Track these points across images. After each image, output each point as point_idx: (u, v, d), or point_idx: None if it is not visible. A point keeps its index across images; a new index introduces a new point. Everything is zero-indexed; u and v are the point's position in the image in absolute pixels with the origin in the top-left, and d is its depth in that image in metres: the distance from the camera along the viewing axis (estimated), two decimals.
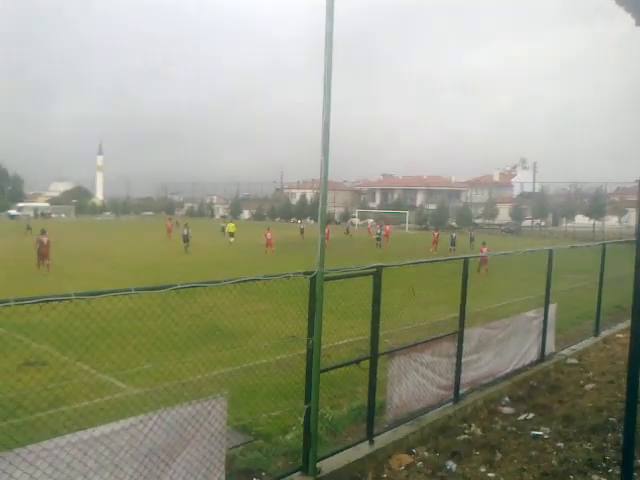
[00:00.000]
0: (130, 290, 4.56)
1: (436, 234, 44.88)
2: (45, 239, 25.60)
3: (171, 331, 8.12)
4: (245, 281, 5.54)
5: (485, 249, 29.01)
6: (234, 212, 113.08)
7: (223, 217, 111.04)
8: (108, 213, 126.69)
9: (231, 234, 45.46)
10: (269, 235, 37.20)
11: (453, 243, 41.25)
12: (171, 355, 9.20)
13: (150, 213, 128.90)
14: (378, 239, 47.10)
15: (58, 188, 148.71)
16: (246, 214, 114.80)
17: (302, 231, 55.45)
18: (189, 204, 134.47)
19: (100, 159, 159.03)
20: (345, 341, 10.90)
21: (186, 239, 38.09)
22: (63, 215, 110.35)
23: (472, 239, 47.09)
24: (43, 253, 25.29)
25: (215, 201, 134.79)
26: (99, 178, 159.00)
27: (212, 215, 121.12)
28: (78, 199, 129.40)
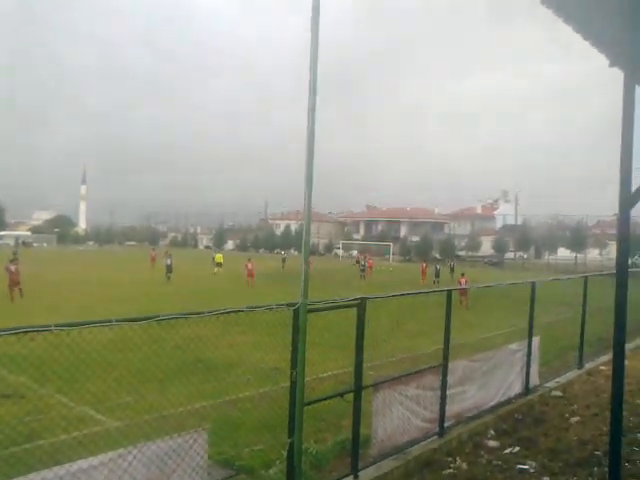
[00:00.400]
0: (111, 321, 4.50)
1: (424, 265, 45.23)
2: (14, 267, 25.93)
3: (152, 363, 8.00)
4: (228, 312, 5.49)
5: (464, 280, 29.07)
6: (218, 242, 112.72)
7: (207, 247, 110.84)
8: (91, 242, 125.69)
9: (218, 264, 46.07)
10: (250, 265, 37.05)
11: (437, 275, 41.43)
12: (152, 387, 9.05)
13: (133, 243, 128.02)
14: (362, 270, 47.19)
15: (41, 216, 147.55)
16: (230, 244, 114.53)
17: (284, 261, 55.70)
18: (173, 234, 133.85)
19: (83, 188, 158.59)
20: (329, 373, 10.80)
21: (169, 269, 38.19)
22: (45, 244, 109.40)
23: (452, 269, 47.31)
24: (13, 280, 25.43)
25: (199, 231, 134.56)
26: (82, 207, 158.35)
27: (196, 245, 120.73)
28: (60, 228, 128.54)
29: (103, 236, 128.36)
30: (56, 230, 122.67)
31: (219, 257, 47.94)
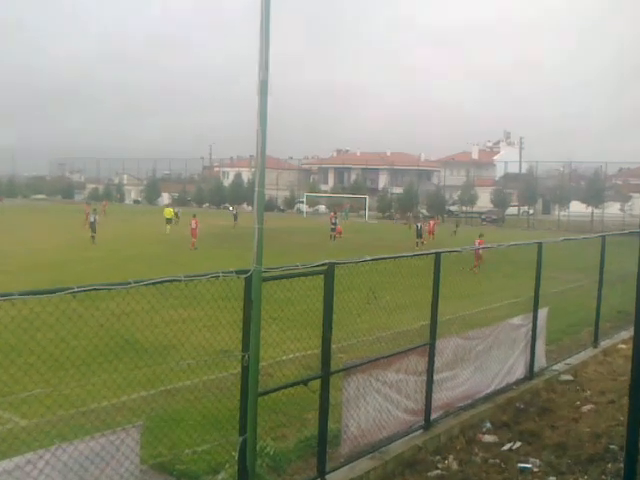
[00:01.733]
0: (13, 295, 4.43)
1: (432, 223, 47.48)
2: None
3: (68, 346, 7.94)
4: (162, 282, 5.46)
5: (480, 242, 29.25)
6: (150, 196, 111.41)
7: (136, 202, 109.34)
8: None
9: (168, 220, 48.15)
10: (194, 224, 37.13)
11: (419, 235, 41.93)
12: (69, 377, 9.00)
13: (42, 196, 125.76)
14: (333, 229, 47.39)
15: None
16: (165, 198, 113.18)
17: (235, 218, 56.73)
18: (92, 185, 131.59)
19: None
20: (290, 356, 10.88)
21: (93, 227, 38.57)
22: None
23: (455, 232, 48.45)
24: None
25: (126, 181, 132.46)
26: None
27: (122, 199, 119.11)
28: None
29: (4, 189, 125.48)
30: None
31: (169, 212, 49.48)
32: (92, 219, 39.27)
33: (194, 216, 38.74)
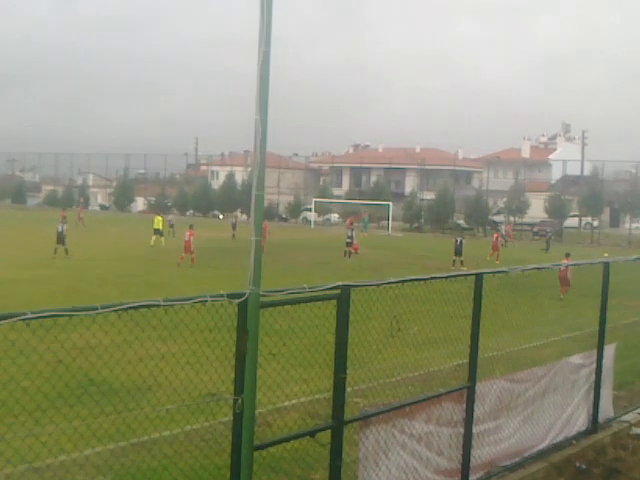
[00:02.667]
0: None
1: (496, 236, 49.91)
2: None
3: (19, 387, 7.96)
4: (136, 307, 5.47)
5: (568, 260, 29.40)
6: (120, 200, 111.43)
7: (103, 207, 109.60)
8: None
9: (157, 231, 50.42)
10: (188, 235, 37.77)
11: (459, 253, 41.96)
12: (19, 424, 9.03)
13: None
14: (348, 244, 47.45)
15: None
16: (140, 203, 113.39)
17: (234, 227, 59.68)
18: (49, 187, 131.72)
19: None
20: (294, 401, 10.92)
21: (61, 238, 39.83)
22: None
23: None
24: None
25: (91, 183, 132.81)
26: None
27: (86, 204, 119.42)
28: None
29: None
30: None
31: (157, 221, 51.45)
32: (60, 229, 40.26)
33: (190, 227, 39.20)
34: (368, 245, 51.68)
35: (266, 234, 36.82)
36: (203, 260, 37.59)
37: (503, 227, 50.43)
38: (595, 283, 11.30)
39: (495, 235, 51.13)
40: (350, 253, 46.13)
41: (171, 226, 57.74)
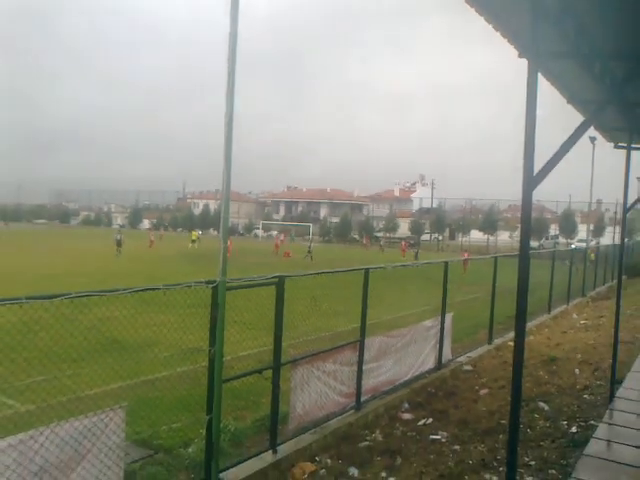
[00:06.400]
0: (21, 299, 4.36)
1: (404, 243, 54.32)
2: None
3: (66, 343, 7.78)
4: (144, 290, 5.45)
5: (465, 254, 30.10)
6: (133, 221, 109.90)
7: (121, 226, 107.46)
8: None
9: (193, 241, 53.41)
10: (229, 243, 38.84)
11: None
12: (66, 368, 8.82)
13: (43, 221, 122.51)
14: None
15: None
16: (146, 223, 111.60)
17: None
18: (85, 212, 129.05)
19: None
20: (248, 352, 10.84)
21: (119, 244, 41.26)
22: None
23: (382, 250, 51.32)
24: None
25: (113, 209, 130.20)
26: None
27: (109, 224, 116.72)
28: None
29: (10, 214, 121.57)
30: None
31: (194, 234, 55.14)
32: (118, 237, 42.02)
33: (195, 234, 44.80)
34: (296, 251, 51.60)
35: (231, 245, 37.46)
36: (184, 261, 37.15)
37: (382, 240, 51.66)
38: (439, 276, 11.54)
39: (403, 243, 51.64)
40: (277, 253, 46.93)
41: (199, 239, 55.93)
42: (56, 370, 8.43)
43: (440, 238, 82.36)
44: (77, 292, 4.75)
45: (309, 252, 46.50)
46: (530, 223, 4.66)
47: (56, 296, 4.63)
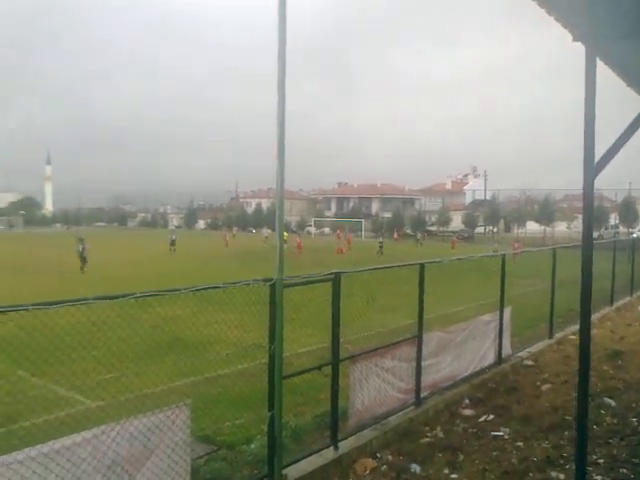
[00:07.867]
0: (88, 299, 4.50)
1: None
2: None
3: (132, 342, 7.99)
4: (205, 289, 5.51)
5: (516, 245, 29.76)
6: (188, 222, 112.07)
7: (177, 227, 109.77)
8: (59, 224, 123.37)
9: (267, 238, 58.23)
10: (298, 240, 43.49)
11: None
12: (132, 366, 9.06)
13: (102, 224, 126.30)
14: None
15: (6, 198, 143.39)
16: (201, 224, 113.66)
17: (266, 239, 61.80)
18: (142, 214, 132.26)
19: (49, 169, 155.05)
20: (306, 349, 10.90)
21: (173, 243, 43.87)
22: (13, 227, 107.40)
23: (420, 243, 55.63)
24: None
25: (169, 211, 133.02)
26: (48, 188, 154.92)
27: (166, 225, 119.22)
28: (26, 210, 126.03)
29: (71, 218, 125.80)
30: (21, 212, 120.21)
31: (285, 235, 55.67)
32: (173, 237, 44.82)
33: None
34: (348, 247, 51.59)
35: (301, 244, 42.51)
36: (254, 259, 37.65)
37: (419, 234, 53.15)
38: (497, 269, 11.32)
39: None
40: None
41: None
42: (123, 368, 8.67)
43: (495, 230, 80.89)
44: (141, 292, 4.86)
45: (380, 247, 47.27)
46: (592, 214, 4.53)
47: (120, 296, 4.75)
